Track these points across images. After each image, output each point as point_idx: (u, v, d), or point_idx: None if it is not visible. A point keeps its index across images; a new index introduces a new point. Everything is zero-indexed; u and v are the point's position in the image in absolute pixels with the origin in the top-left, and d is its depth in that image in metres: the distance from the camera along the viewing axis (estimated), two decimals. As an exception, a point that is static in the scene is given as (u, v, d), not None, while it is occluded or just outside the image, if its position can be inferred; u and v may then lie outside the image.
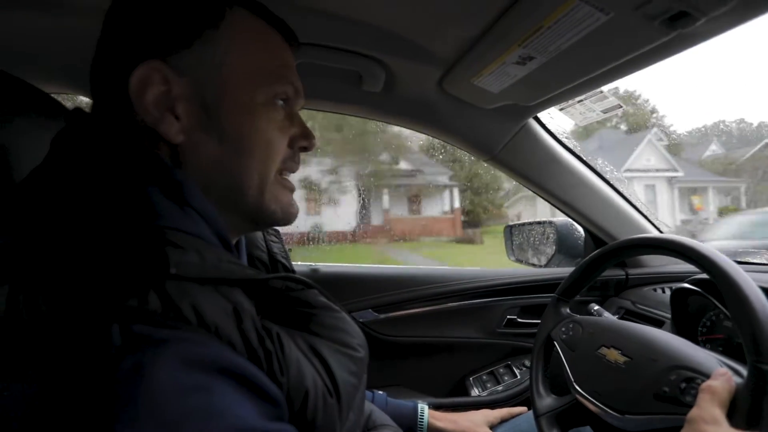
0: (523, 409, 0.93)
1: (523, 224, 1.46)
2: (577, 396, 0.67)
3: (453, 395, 1.20)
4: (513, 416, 0.91)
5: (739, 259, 1.03)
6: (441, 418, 0.85)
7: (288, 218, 0.50)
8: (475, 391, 1.18)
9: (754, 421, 0.45)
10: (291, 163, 0.50)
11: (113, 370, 0.28)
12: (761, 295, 0.50)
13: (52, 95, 0.54)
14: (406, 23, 0.71)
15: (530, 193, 1.16)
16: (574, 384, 0.68)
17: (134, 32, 0.42)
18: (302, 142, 0.50)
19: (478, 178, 12.82)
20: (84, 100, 0.87)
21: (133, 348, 0.29)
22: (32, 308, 0.30)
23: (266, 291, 0.41)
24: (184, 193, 0.40)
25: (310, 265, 1.21)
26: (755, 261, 1.05)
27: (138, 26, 0.42)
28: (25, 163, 0.46)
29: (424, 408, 0.85)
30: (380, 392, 0.84)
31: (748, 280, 0.52)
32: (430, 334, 1.19)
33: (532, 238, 1.42)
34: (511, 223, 1.51)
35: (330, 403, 0.39)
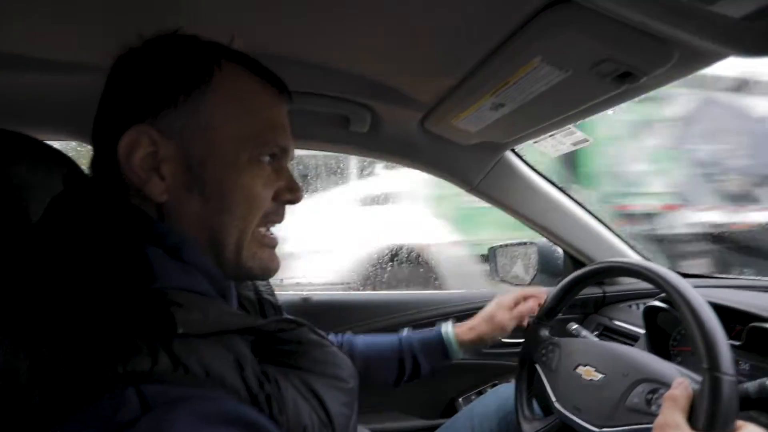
0: (541, 289, 0.89)
1: (507, 245, 1.51)
2: (559, 414, 0.71)
3: (444, 416, 1.22)
4: (525, 297, 0.87)
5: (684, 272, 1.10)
6: (464, 334, 0.86)
7: (267, 273, 0.50)
8: (466, 412, 1.20)
9: (710, 423, 0.49)
10: (274, 217, 0.50)
11: (130, 431, 0.29)
12: (710, 310, 0.55)
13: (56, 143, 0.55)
14: (391, 73, 0.78)
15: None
16: (555, 403, 0.72)
17: (126, 96, 0.44)
18: (287, 195, 0.49)
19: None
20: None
21: (148, 408, 0.30)
22: (36, 370, 0.31)
23: (261, 334, 0.42)
24: (182, 252, 0.41)
25: (302, 294, 1.24)
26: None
27: (130, 90, 0.44)
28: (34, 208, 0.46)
29: (448, 332, 0.85)
30: (405, 330, 0.87)
31: (698, 297, 0.56)
32: None
33: (515, 259, 1.46)
34: (494, 245, 1.55)
35: None
